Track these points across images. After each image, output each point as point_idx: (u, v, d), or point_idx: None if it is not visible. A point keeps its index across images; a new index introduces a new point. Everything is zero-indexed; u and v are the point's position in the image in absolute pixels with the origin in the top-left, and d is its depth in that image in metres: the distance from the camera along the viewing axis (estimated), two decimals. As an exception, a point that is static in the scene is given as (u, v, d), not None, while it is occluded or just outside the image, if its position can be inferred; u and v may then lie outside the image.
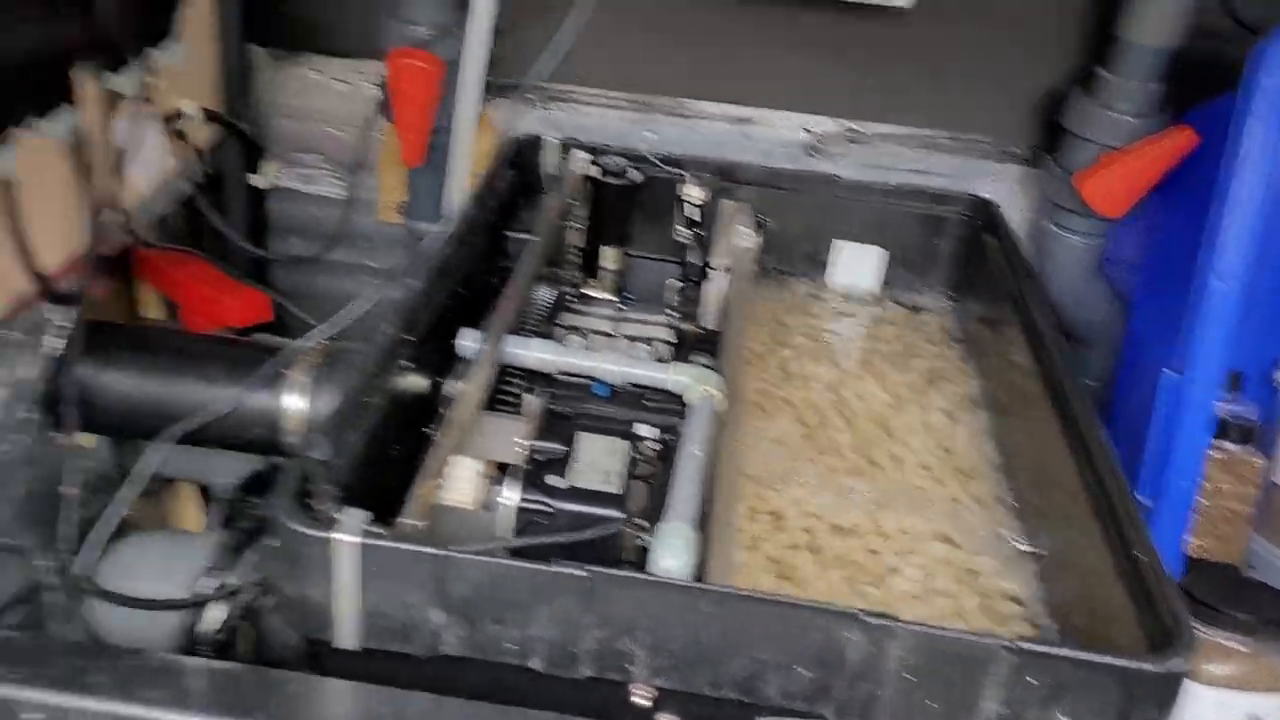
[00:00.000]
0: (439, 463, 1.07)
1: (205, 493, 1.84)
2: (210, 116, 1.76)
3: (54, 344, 1.41)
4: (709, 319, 1.59)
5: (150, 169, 1.59)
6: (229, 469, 1.69)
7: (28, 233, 1.24)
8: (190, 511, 1.90)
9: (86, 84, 1.27)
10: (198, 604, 1.29)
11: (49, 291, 1.34)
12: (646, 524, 1.07)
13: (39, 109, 1.13)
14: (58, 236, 1.35)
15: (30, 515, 1.39)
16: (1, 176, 1.10)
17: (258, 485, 1.65)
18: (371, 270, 2.06)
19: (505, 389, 1.26)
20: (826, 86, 1.86)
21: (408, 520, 0.99)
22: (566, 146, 1.80)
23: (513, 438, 1.13)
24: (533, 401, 1.22)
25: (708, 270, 1.70)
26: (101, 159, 1.41)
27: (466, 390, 1.15)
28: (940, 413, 1.51)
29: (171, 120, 1.65)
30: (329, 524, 0.93)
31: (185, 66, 1.53)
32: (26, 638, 1.17)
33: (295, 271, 2.05)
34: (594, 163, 1.78)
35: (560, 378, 1.28)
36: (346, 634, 0.94)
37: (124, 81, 1.31)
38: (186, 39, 1.53)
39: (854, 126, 1.89)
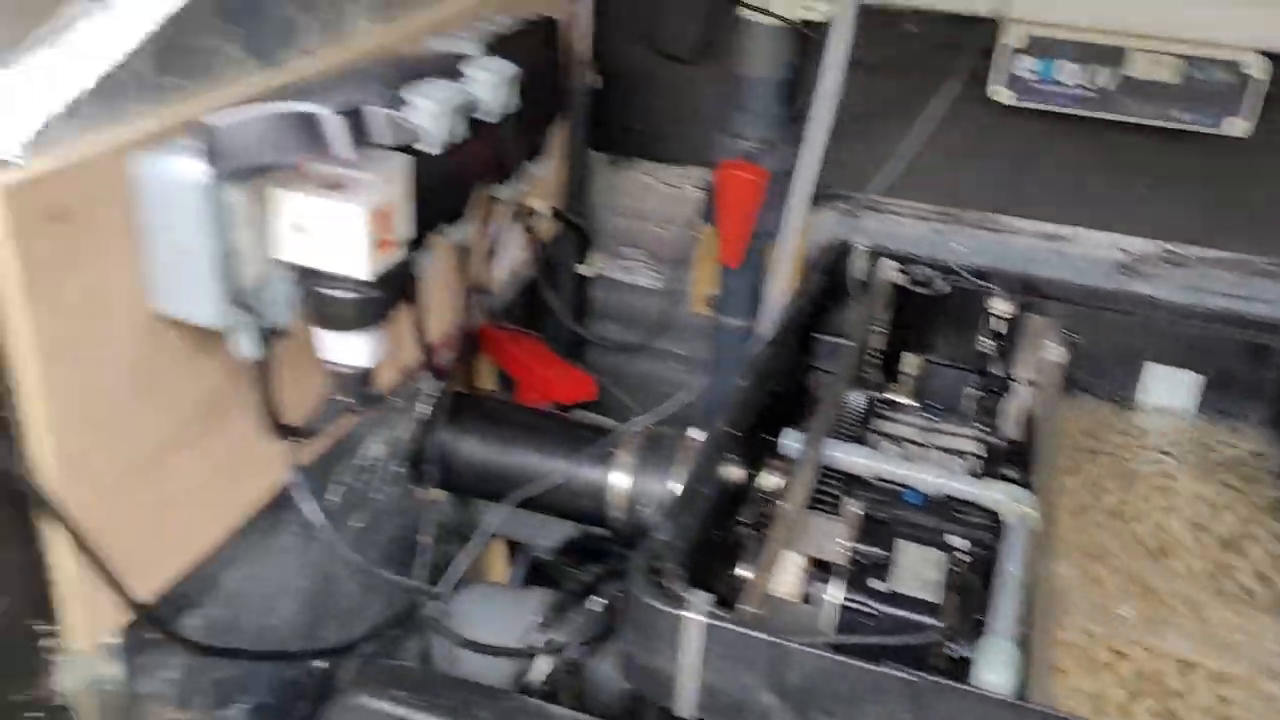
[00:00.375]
0: (770, 555, 1.17)
1: (511, 546, 2.03)
2: (555, 214, 1.98)
3: (424, 410, 1.63)
4: (1011, 431, 1.62)
5: (510, 260, 1.82)
6: (547, 532, 1.87)
7: (423, 316, 1.46)
8: (498, 563, 2.09)
9: (481, 196, 1.50)
10: (529, 654, 1.45)
11: (429, 364, 1.56)
12: (962, 635, 1.12)
13: (450, 219, 1.34)
14: (439, 317, 1.58)
15: (393, 557, 1.61)
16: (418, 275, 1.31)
17: (574, 550, 1.82)
18: (677, 356, 2.21)
19: (822, 488, 1.35)
20: (1145, 207, 1.85)
21: (746, 607, 1.09)
22: (875, 254, 1.89)
23: (835, 538, 1.22)
24: (852, 504, 1.30)
25: (1010, 383, 1.73)
26: (478, 252, 1.63)
27: (793, 489, 1.25)
28: (1260, 550, 1.46)
29: (526, 218, 1.87)
30: (679, 603, 1.04)
31: (546, 174, 1.75)
32: (419, 669, 1.35)
33: (609, 353, 2.24)
34: (902, 271, 1.86)
35: (873, 482, 1.36)
36: (686, 704, 1.04)
37: (506, 191, 1.53)
38: (551, 151, 1.75)
39: (1172, 249, 1.86)
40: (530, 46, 1.52)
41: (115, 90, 0.97)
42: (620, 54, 2.03)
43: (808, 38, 1.84)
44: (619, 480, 1.56)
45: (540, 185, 1.88)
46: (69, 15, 0.98)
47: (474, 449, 1.65)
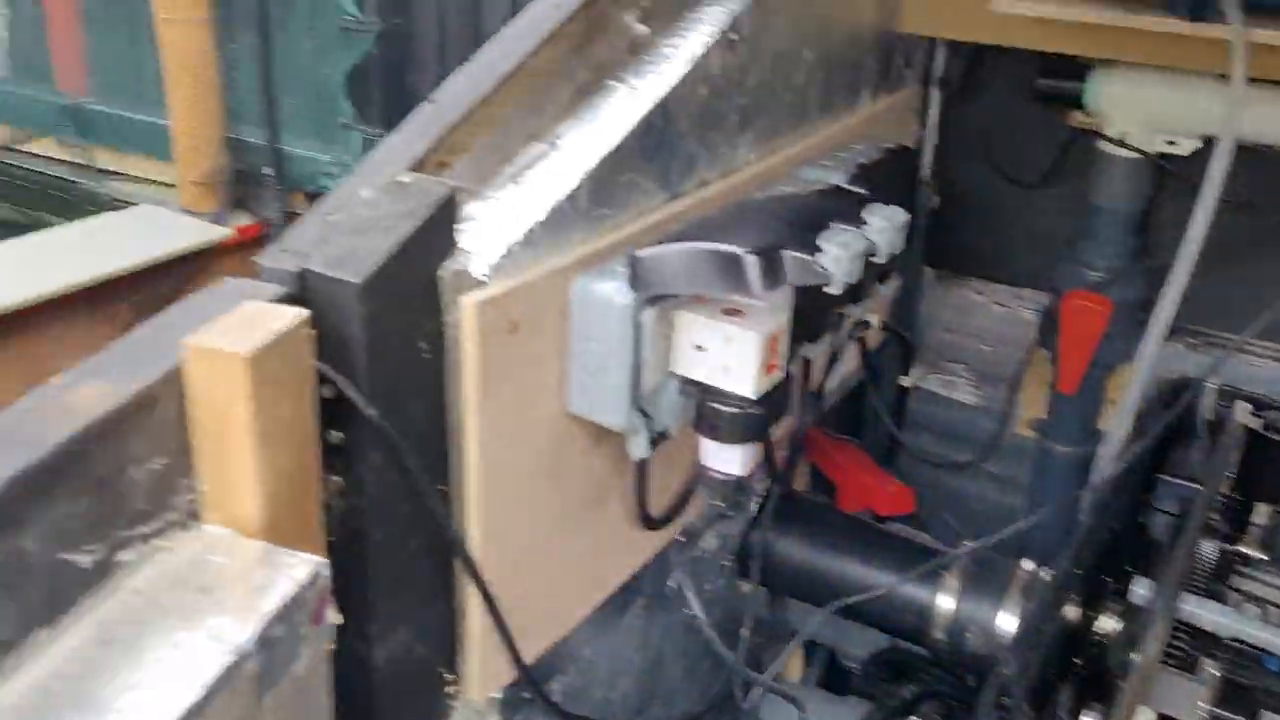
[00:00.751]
0: (1121, 707, 1.15)
1: (806, 646, 2.06)
2: (884, 326, 2.04)
3: (753, 507, 1.72)
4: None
5: (844, 368, 1.88)
6: (854, 639, 1.89)
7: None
8: (793, 662, 2.13)
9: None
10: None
11: (768, 465, 1.64)
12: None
13: (811, 339, 1.44)
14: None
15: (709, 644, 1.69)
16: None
17: (882, 662, 1.83)
18: (993, 476, 2.19)
19: (1172, 642, 1.31)
20: None
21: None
22: (1227, 394, 1.80)
23: (1195, 700, 1.18)
24: (1209, 665, 1.25)
25: (1382, 548, 1.59)
26: (818, 363, 1.71)
27: (1146, 642, 1.22)
28: None
29: (858, 329, 1.94)
30: (1030, 743, 1.05)
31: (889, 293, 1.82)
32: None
33: (923, 466, 2.24)
34: (1257, 414, 1.76)
35: (1229, 642, 1.30)
36: (1029, 845, 1.04)
37: (857, 310, 1.61)
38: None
39: None
40: (889, 175, 1.61)
41: (560, 220, 1.13)
42: (960, 174, 2.07)
43: (1165, 170, 1.82)
44: (945, 602, 1.57)
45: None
46: (531, 155, 1.15)
47: (798, 550, 1.71)
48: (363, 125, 2.70)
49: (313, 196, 2.88)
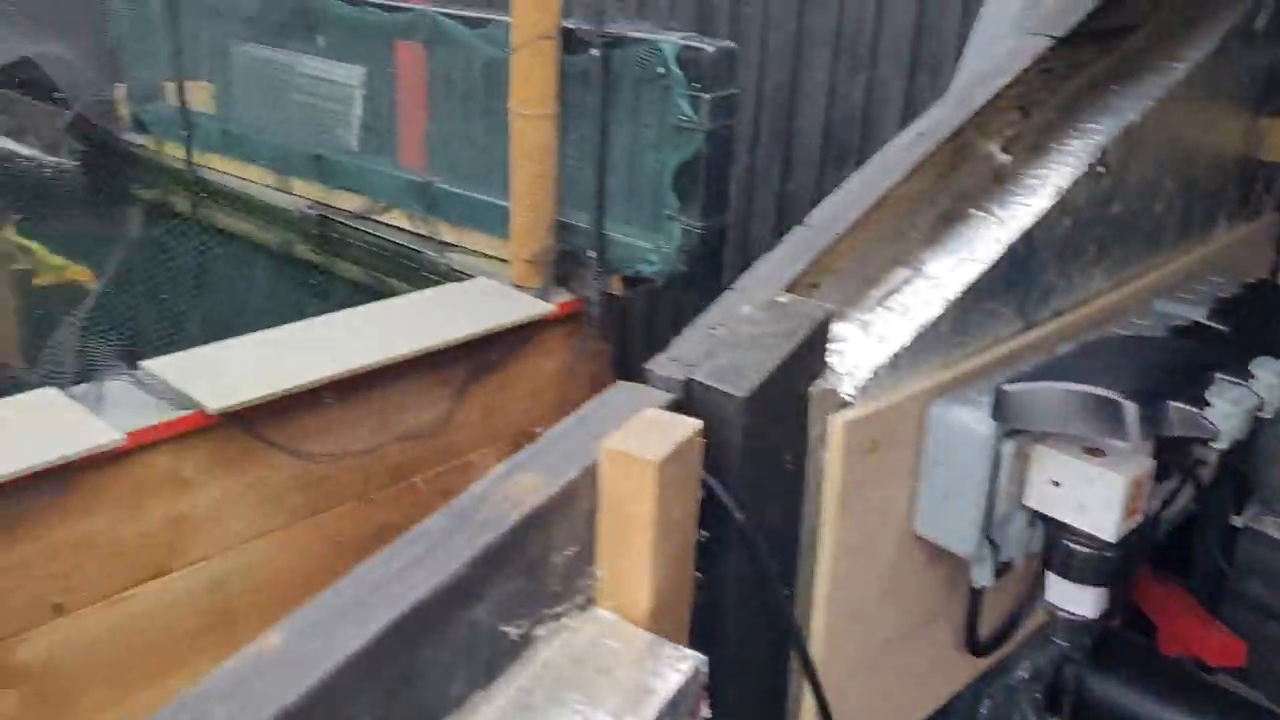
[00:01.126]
0: None
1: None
2: (1221, 460, 1.91)
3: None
4: None
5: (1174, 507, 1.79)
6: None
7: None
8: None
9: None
10: None
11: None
12: None
13: (1160, 478, 1.39)
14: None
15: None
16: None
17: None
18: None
19: None
20: None
21: None
22: None
23: None
24: None
25: None
26: (1159, 498, 1.64)
27: None
28: None
29: (1197, 465, 1.84)
30: None
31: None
32: None
33: (1253, 613, 2.07)
34: None
35: None
36: None
37: (1202, 450, 1.53)
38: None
39: None
40: (1249, 310, 1.53)
41: (922, 346, 1.16)
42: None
43: None
44: (1287, 775, 1.45)
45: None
46: (896, 280, 1.20)
47: (1117, 692, 1.63)
48: (683, 217, 2.86)
49: (629, 280, 3.06)
